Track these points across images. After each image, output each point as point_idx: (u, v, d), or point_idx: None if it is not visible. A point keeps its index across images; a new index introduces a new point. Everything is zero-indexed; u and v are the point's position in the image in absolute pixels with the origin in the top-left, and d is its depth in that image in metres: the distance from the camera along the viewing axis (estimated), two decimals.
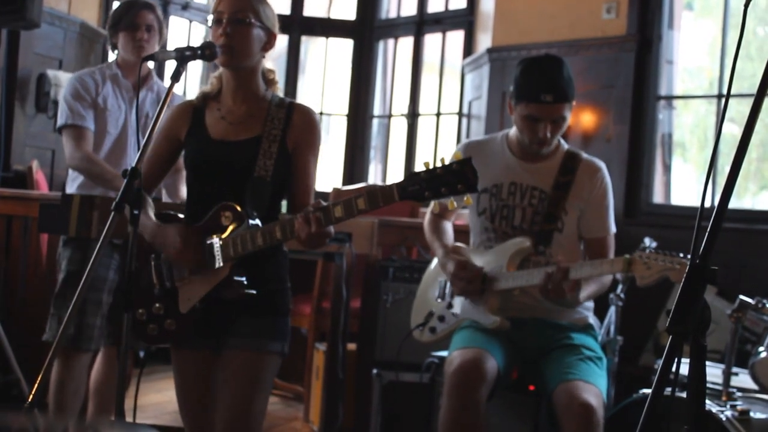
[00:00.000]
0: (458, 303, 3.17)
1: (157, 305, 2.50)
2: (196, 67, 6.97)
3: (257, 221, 2.43)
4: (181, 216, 2.58)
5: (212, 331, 2.50)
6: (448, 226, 3.39)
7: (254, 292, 2.45)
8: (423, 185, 2.16)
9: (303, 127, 2.54)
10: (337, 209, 2.25)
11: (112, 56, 3.58)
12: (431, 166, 2.17)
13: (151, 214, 2.53)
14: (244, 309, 2.47)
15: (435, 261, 3.38)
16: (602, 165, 3.17)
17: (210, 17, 2.52)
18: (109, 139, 3.41)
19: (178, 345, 2.55)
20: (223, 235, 2.42)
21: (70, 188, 3.44)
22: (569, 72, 3.07)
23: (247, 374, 2.43)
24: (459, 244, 3.29)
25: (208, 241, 2.44)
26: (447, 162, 2.16)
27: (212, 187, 2.50)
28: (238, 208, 2.43)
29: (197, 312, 2.46)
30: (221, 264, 2.42)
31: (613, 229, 3.16)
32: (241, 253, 2.39)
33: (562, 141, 3.21)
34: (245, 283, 2.44)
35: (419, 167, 2.20)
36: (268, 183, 2.46)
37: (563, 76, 3.03)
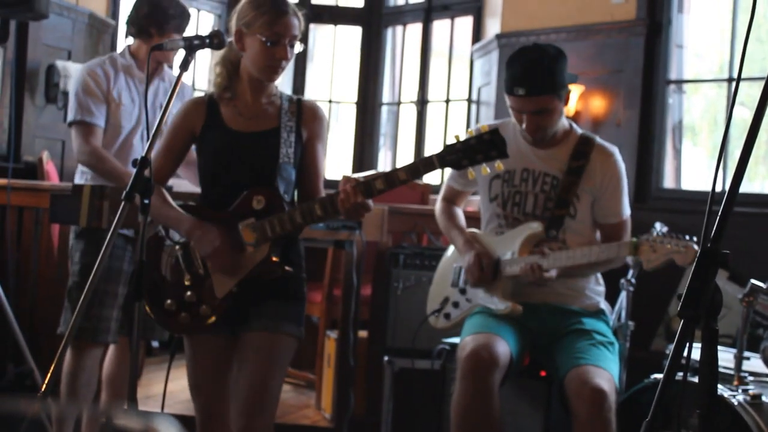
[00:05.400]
0: (471, 289, 3.18)
1: (189, 293, 2.53)
2: (204, 56, 6.96)
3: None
4: (192, 204, 2.62)
5: (237, 315, 2.53)
6: (461, 212, 3.38)
7: (291, 269, 2.52)
8: (460, 154, 2.40)
9: (313, 119, 2.66)
10: (378, 182, 2.39)
11: (120, 46, 3.56)
12: (462, 138, 2.40)
13: (174, 205, 2.57)
14: (271, 293, 2.52)
15: (451, 248, 3.38)
16: (615, 150, 3.14)
17: (238, 25, 2.54)
18: (123, 133, 3.40)
19: (200, 331, 2.57)
20: (259, 218, 2.49)
21: (79, 182, 3.42)
22: (557, 63, 2.99)
23: (266, 353, 2.49)
24: (473, 230, 3.27)
25: (242, 225, 2.49)
26: (475, 134, 2.40)
27: (236, 175, 2.55)
28: (273, 191, 2.50)
29: (233, 296, 2.51)
30: (259, 245, 2.48)
31: (627, 212, 3.14)
32: (280, 233, 2.47)
33: (575, 126, 3.19)
34: (281, 262, 2.50)
35: (450, 140, 2.42)
36: (293, 168, 2.57)
37: (542, 69, 2.97)
